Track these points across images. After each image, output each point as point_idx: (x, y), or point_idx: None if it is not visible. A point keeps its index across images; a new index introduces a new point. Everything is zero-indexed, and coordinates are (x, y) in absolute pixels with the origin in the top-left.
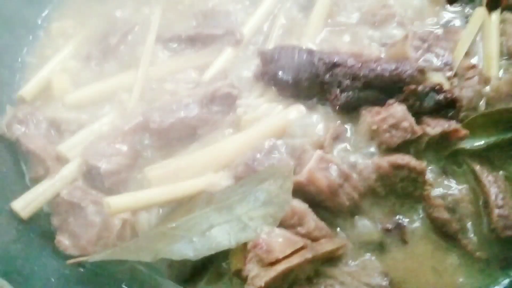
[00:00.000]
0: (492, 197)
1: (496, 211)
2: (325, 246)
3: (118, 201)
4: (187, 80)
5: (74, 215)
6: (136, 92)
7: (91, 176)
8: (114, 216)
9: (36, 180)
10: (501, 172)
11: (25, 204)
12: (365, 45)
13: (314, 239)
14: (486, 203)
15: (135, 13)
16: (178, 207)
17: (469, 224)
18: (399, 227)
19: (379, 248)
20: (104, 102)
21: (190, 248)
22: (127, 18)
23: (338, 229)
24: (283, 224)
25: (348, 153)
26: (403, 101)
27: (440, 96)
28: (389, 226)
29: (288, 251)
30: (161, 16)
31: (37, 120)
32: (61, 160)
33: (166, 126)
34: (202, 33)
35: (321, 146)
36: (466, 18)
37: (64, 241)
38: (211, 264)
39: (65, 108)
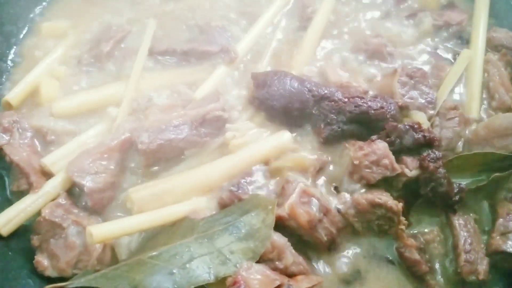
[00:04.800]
0: (461, 241)
1: (464, 256)
2: (301, 284)
3: (100, 230)
4: (178, 96)
5: (55, 236)
6: (125, 105)
7: (74, 193)
8: None
9: (18, 193)
10: (471, 215)
11: (6, 220)
12: (356, 74)
13: (291, 275)
14: (455, 246)
15: (131, 21)
16: (160, 232)
17: (437, 265)
18: (374, 264)
19: (354, 283)
20: (92, 113)
21: (169, 280)
22: (122, 25)
23: (317, 263)
24: (262, 257)
25: (330, 186)
26: (385, 137)
27: (419, 135)
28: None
29: None
30: (156, 27)
31: (23, 128)
32: (45, 174)
33: (154, 148)
34: (197, 49)
35: (305, 176)
36: (455, 55)
37: (43, 261)
38: None
39: (52, 117)
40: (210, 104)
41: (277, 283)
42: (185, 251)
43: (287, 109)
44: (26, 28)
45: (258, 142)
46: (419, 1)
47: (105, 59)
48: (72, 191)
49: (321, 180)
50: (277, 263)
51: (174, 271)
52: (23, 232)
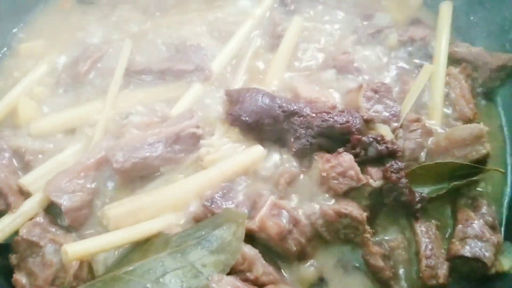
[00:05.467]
0: (423, 247)
1: (424, 262)
2: None
3: (75, 249)
4: (154, 114)
5: (32, 254)
6: (101, 124)
7: (52, 211)
8: None
9: None
10: (433, 221)
11: None
12: (325, 89)
13: (262, 285)
14: (417, 252)
15: (107, 41)
16: (136, 247)
17: (401, 271)
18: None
19: None
20: (70, 132)
21: None
22: (99, 45)
23: (286, 273)
24: (233, 269)
25: (300, 197)
26: (351, 149)
27: (382, 147)
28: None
29: None
30: (132, 47)
31: (1, 149)
32: (23, 193)
33: (129, 166)
34: (173, 67)
35: (275, 189)
36: (419, 69)
37: (21, 279)
38: None
39: (30, 137)
40: (184, 122)
41: None
42: (159, 266)
43: (259, 124)
44: (5, 49)
45: (232, 157)
46: (385, 18)
47: (82, 78)
48: (50, 209)
49: (292, 192)
50: (248, 274)
51: (148, 285)
52: (1, 251)
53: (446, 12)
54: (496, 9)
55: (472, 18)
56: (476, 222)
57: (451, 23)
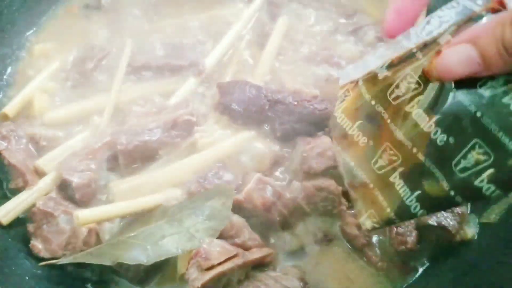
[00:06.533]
0: None
1: (395, 230)
2: (254, 254)
3: (85, 214)
4: (153, 105)
5: (47, 223)
6: (107, 114)
7: (64, 188)
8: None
9: (15, 191)
10: None
11: (5, 212)
12: (307, 81)
13: (247, 248)
14: None
15: (110, 41)
16: (138, 218)
17: (375, 239)
18: (320, 239)
19: (301, 257)
20: (79, 122)
21: (143, 254)
22: (103, 46)
23: (271, 240)
24: (223, 235)
25: (284, 175)
26: (329, 133)
27: None
28: (314, 238)
29: (222, 258)
30: (133, 46)
31: (18, 136)
32: (39, 173)
33: (131, 148)
34: (170, 63)
35: (262, 169)
36: None
37: (37, 245)
38: (161, 269)
39: (44, 126)
40: (180, 110)
41: (234, 253)
42: (158, 231)
43: (247, 112)
44: (20, 50)
45: (223, 141)
46: (365, 16)
47: (89, 75)
48: (62, 188)
49: (277, 171)
50: (235, 239)
51: (148, 247)
52: (20, 223)
53: None
54: None
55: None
56: None
57: None
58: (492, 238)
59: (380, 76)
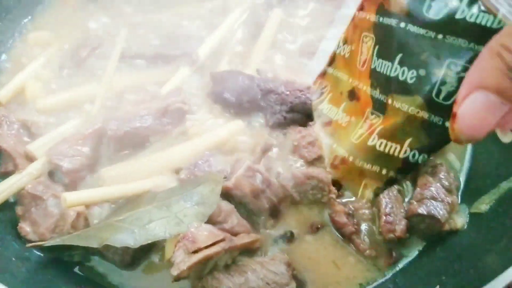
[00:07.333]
0: (383, 205)
1: (384, 218)
2: (242, 239)
3: (73, 197)
4: (147, 93)
5: (36, 206)
6: (98, 101)
7: (53, 173)
8: (70, 209)
9: (5, 175)
10: (395, 186)
11: None
12: (300, 71)
13: (235, 234)
14: (378, 210)
15: (105, 30)
16: (126, 203)
17: (363, 227)
18: (309, 227)
19: (289, 244)
20: (71, 109)
21: (131, 238)
22: (98, 34)
23: (260, 227)
24: (211, 220)
25: (274, 163)
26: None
27: None
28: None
29: (209, 242)
30: (127, 35)
31: (10, 121)
32: (29, 158)
33: (121, 134)
34: (163, 53)
35: (252, 157)
36: None
37: (25, 228)
38: (149, 252)
39: (36, 112)
40: (172, 98)
41: (221, 237)
42: (146, 215)
43: (239, 102)
44: (14, 38)
45: (214, 130)
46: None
47: (83, 63)
48: (52, 173)
49: (267, 160)
50: (224, 225)
51: (135, 230)
52: (9, 206)
53: None
54: None
55: None
56: (433, 185)
57: None
58: (482, 228)
59: (343, 53)
